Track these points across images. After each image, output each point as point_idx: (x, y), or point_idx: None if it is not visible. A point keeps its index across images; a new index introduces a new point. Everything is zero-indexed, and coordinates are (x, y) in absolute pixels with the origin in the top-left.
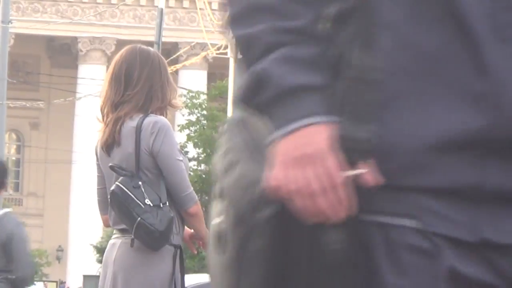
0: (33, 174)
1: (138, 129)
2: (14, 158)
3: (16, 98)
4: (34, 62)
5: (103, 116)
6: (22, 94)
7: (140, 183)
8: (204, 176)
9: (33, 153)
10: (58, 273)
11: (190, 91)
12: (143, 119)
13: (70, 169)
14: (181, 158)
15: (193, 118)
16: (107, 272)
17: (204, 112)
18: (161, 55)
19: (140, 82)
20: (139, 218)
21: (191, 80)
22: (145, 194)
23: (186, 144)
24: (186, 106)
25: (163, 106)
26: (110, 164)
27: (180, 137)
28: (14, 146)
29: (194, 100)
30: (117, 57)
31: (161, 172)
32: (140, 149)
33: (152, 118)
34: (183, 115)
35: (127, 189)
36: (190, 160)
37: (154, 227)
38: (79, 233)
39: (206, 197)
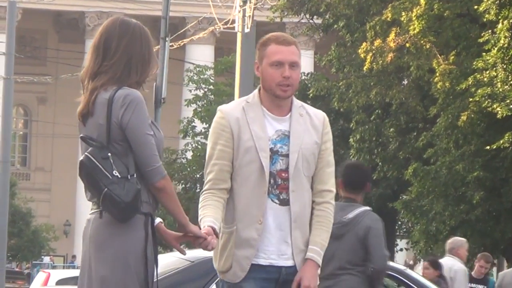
0: (41, 149)
1: (110, 101)
2: (21, 132)
3: (23, 73)
4: (42, 37)
5: (83, 86)
6: (30, 69)
7: (109, 154)
8: None
9: (41, 128)
10: (65, 247)
11: (197, 66)
12: (116, 91)
13: (78, 143)
14: (151, 133)
15: (200, 93)
16: (84, 250)
17: (211, 87)
18: (168, 29)
19: (117, 53)
20: (105, 189)
21: (198, 55)
22: (113, 165)
23: (193, 119)
24: (193, 81)
25: (141, 80)
26: (81, 135)
27: (186, 112)
28: (22, 121)
29: (201, 75)
30: (100, 28)
31: (130, 145)
32: (111, 121)
33: (124, 91)
34: (190, 90)
35: (96, 159)
36: (196, 134)
37: (120, 198)
38: (86, 208)
39: None
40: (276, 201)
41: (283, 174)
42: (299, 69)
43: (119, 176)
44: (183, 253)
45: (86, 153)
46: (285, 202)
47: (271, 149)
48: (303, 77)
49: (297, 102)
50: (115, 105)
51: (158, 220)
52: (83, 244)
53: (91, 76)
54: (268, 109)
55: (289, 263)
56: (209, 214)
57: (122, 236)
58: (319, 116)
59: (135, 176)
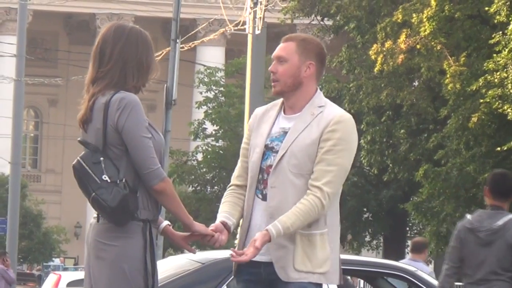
0: (52, 151)
1: (106, 105)
2: (32, 134)
3: (34, 75)
4: (53, 38)
5: (87, 93)
6: (41, 70)
7: (101, 158)
8: (221, 152)
9: (52, 130)
10: (76, 249)
11: (208, 67)
12: (112, 96)
13: None
14: (148, 135)
15: (210, 95)
16: (86, 254)
17: (222, 88)
18: (179, 31)
19: (112, 59)
20: (93, 193)
21: (209, 56)
22: (104, 170)
23: (204, 120)
24: (204, 83)
25: (139, 85)
26: (78, 139)
27: (197, 114)
28: (33, 123)
29: (212, 77)
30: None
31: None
32: (107, 125)
33: (120, 95)
34: (200, 92)
35: (86, 164)
36: (207, 136)
37: (106, 203)
38: None
39: (224, 173)
40: (260, 196)
41: (269, 170)
42: (289, 64)
43: (109, 180)
44: (193, 252)
45: (78, 158)
46: (265, 197)
47: (266, 146)
48: None
49: (318, 101)
50: (111, 108)
51: (165, 222)
52: (86, 248)
53: (91, 82)
54: (284, 108)
55: (265, 258)
56: (225, 210)
57: (119, 242)
58: (330, 115)
59: (124, 180)
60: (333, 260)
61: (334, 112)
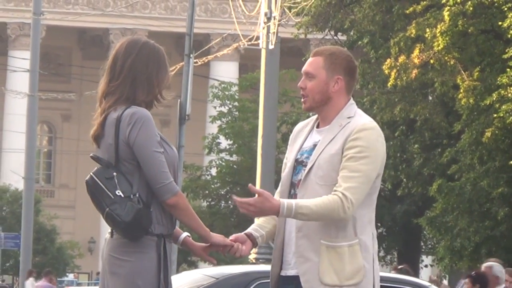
0: (65, 166)
1: (118, 120)
2: (46, 149)
3: (47, 90)
4: (66, 54)
5: (99, 107)
6: (54, 86)
7: (114, 173)
8: (235, 167)
9: (65, 145)
10: (90, 264)
11: (221, 82)
12: (124, 111)
13: None
14: (160, 150)
15: (224, 109)
16: (102, 269)
17: (236, 103)
18: (193, 46)
19: (122, 73)
20: (107, 209)
21: (222, 71)
22: (117, 185)
23: (218, 135)
24: (218, 98)
25: (149, 100)
26: (91, 154)
27: (211, 129)
28: (46, 138)
29: (226, 92)
30: None
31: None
32: (118, 140)
33: (131, 110)
34: (214, 107)
35: (99, 179)
36: (221, 151)
37: (121, 218)
38: None
39: (238, 188)
40: None
41: (299, 184)
42: (317, 80)
43: (123, 195)
44: (213, 262)
45: (91, 173)
46: None
47: (297, 160)
48: None
49: (347, 112)
50: (123, 123)
51: (185, 234)
52: (101, 263)
53: (103, 97)
54: (319, 121)
55: (293, 272)
56: (256, 223)
57: (133, 258)
58: (355, 125)
59: (137, 195)
60: (367, 270)
61: (359, 121)
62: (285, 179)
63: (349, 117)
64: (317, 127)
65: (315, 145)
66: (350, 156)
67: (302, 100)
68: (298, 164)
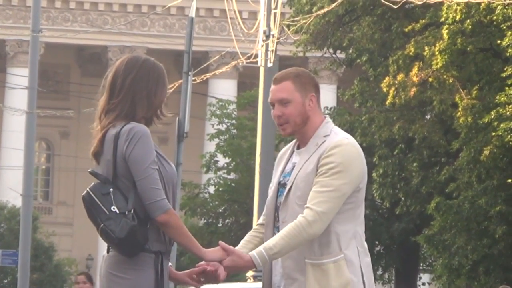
0: (63, 183)
1: (116, 137)
2: (44, 167)
3: (46, 107)
4: (64, 71)
5: (98, 124)
6: (52, 103)
7: (111, 189)
8: (233, 185)
9: (63, 162)
10: None
11: (220, 100)
12: (122, 127)
13: None
14: (155, 167)
15: (222, 127)
16: (100, 287)
17: (234, 121)
18: (191, 64)
19: (122, 91)
20: (102, 224)
21: (221, 89)
22: (113, 201)
23: (216, 153)
24: (216, 116)
25: (148, 116)
26: (89, 170)
27: (209, 147)
28: (44, 155)
29: (223, 110)
30: None
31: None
32: (116, 156)
33: (129, 126)
34: (212, 124)
35: (95, 195)
36: (219, 169)
37: (114, 234)
38: None
39: (236, 206)
40: (277, 232)
41: (280, 205)
42: (293, 103)
43: (118, 212)
44: (197, 286)
45: (87, 189)
46: None
47: (279, 183)
48: (326, 112)
49: (323, 131)
50: (120, 139)
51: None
52: (98, 280)
53: (101, 114)
54: (298, 143)
55: None
56: (248, 235)
57: (131, 275)
58: (329, 142)
59: (132, 211)
60: (355, 283)
61: (334, 139)
62: (270, 202)
63: (325, 136)
64: (297, 148)
65: (294, 167)
66: (322, 172)
67: (281, 127)
68: (281, 186)
